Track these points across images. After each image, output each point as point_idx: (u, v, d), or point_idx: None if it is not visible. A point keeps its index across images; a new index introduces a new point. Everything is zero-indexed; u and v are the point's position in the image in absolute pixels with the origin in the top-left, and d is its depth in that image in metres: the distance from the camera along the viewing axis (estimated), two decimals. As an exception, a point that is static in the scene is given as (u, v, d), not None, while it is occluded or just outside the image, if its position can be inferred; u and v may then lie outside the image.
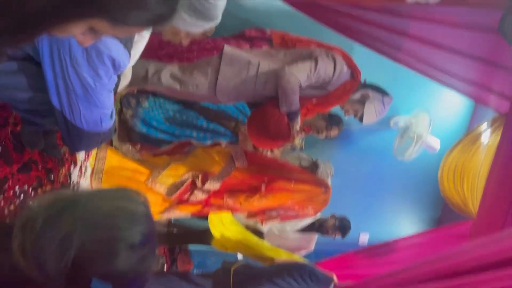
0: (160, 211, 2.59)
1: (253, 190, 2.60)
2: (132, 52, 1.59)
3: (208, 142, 3.42)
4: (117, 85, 1.63)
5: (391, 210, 4.71)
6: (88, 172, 2.77)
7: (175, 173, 2.56)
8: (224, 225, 2.81)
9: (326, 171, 3.82)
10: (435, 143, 3.85)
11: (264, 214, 2.73)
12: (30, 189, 2.16)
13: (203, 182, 2.52)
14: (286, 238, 3.86)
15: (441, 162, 3.55)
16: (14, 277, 0.67)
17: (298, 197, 2.66)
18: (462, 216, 3.49)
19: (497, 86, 2.44)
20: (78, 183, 2.61)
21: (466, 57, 2.13)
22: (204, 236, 4.00)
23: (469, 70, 2.35)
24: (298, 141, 3.55)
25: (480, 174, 2.91)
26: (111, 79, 1.50)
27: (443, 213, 4.68)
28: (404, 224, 4.72)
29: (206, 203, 2.62)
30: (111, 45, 1.40)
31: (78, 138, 1.52)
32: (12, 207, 2.02)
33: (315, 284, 2.60)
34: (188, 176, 2.53)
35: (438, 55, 2.29)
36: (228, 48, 2.64)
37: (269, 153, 3.44)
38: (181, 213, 2.71)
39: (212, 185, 2.55)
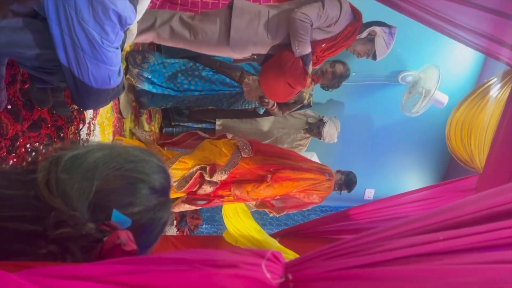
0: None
1: (259, 180, 2.68)
2: (138, 7, 1.57)
3: (214, 94, 3.41)
4: (123, 41, 1.62)
5: (397, 166, 4.74)
6: (97, 130, 2.80)
7: (184, 166, 2.65)
8: (239, 216, 2.87)
9: (333, 128, 3.83)
10: (444, 98, 3.82)
11: (273, 206, 2.82)
12: (41, 147, 2.20)
13: (211, 174, 2.61)
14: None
15: (449, 117, 3.53)
16: (39, 207, 0.70)
17: (303, 185, 2.75)
18: (468, 172, 3.50)
19: (510, 39, 2.39)
20: (87, 141, 2.65)
21: (478, 8, 2.08)
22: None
23: (481, 22, 2.30)
24: (306, 95, 3.53)
25: (488, 129, 2.90)
26: (117, 35, 1.49)
27: (450, 169, 4.72)
28: (410, 180, 4.76)
29: (214, 195, 2.70)
30: (117, 0, 1.38)
31: (87, 96, 1.53)
32: (24, 164, 2.06)
33: None
34: (196, 169, 2.62)
35: (449, 6, 2.24)
36: (237, 0, 2.62)
37: (277, 110, 3.44)
38: (190, 207, 2.82)
39: (220, 177, 2.63)
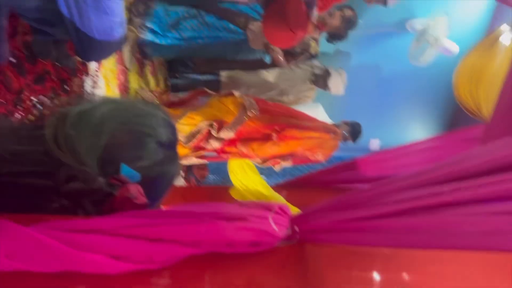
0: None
1: (265, 138, 2.70)
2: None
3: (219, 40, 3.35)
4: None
5: (403, 116, 4.72)
6: (101, 82, 2.79)
7: (191, 121, 2.67)
8: (246, 172, 2.87)
9: (339, 79, 3.78)
10: (453, 47, 3.74)
11: (277, 160, 2.82)
12: (47, 99, 2.20)
13: (218, 131, 2.64)
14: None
15: (458, 66, 3.47)
16: (49, 162, 0.71)
17: (308, 144, 2.76)
18: (475, 121, 3.48)
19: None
20: (92, 93, 2.64)
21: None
22: None
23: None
24: (312, 44, 3.46)
25: (497, 78, 2.85)
26: (118, -15, 1.46)
27: (456, 119, 4.69)
28: (417, 130, 4.75)
29: (221, 151, 2.73)
30: None
31: (90, 48, 1.51)
32: (31, 117, 2.07)
33: None
34: (204, 124, 2.64)
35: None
36: None
37: (282, 59, 3.38)
38: (198, 160, 2.85)
39: (227, 134, 2.65)
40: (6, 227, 0.55)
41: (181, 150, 2.73)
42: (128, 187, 0.70)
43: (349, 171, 3.62)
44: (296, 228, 0.64)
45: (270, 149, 2.72)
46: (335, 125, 3.84)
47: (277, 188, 3.59)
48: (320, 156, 2.88)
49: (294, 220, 0.66)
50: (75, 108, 0.77)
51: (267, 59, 3.64)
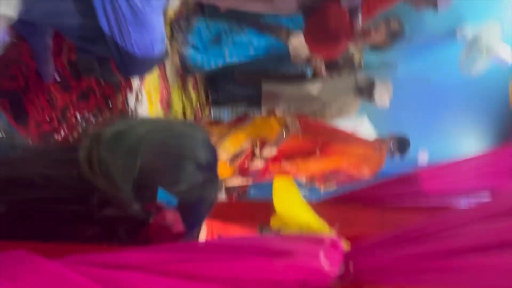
0: (223, 179, 2.79)
1: (308, 154, 2.66)
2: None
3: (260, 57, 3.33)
4: (165, 7, 1.56)
5: (454, 129, 4.50)
6: (144, 98, 2.80)
7: (236, 141, 2.70)
8: (290, 194, 2.85)
9: (384, 91, 3.65)
10: (507, 56, 3.53)
11: (322, 180, 2.77)
12: (91, 116, 2.22)
13: (261, 150, 2.65)
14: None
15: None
16: (81, 187, 0.67)
17: (353, 159, 2.70)
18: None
19: None
20: (135, 109, 2.65)
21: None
22: None
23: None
24: (357, 55, 3.36)
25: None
26: (159, 0, 1.44)
27: (510, 131, 4.42)
28: (468, 143, 4.51)
29: (265, 170, 2.71)
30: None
31: (131, 64, 1.50)
32: (75, 135, 2.09)
33: None
34: (247, 144, 2.67)
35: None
36: None
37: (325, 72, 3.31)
38: (243, 181, 2.88)
39: (270, 151, 2.65)
40: (28, 260, 0.50)
41: (225, 171, 2.75)
42: (164, 214, 0.65)
43: (406, 185, 3.46)
44: (351, 266, 0.56)
45: (314, 164, 2.66)
46: (381, 139, 3.71)
47: (319, 203, 3.48)
48: (366, 173, 2.78)
49: (349, 256, 0.58)
50: (110, 128, 0.72)
51: (309, 73, 3.57)
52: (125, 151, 0.69)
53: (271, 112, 2.94)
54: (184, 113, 3.68)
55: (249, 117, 3.01)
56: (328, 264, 0.54)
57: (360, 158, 2.73)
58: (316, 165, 2.67)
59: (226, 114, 4.05)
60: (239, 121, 3.01)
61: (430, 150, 4.66)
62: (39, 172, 0.68)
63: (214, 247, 0.57)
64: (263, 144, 2.66)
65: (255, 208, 3.68)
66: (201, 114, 4.19)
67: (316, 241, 0.57)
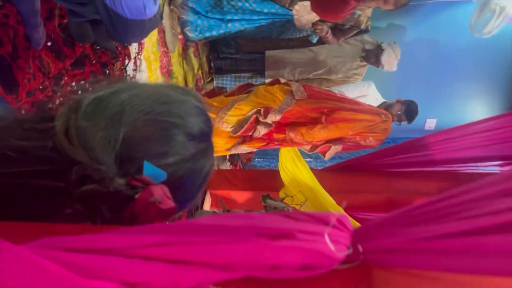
0: (228, 148, 2.74)
1: (314, 122, 2.62)
2: None
3: (263, 24, 3.22)
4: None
5: (462, 94, 4.38)
6: (143, 65, 2.71)
7: (239, 112, 2.65)
8: (297, 166, 2.78)
9: (392, 55, 3.53)
10: (521, 16, 3.38)
11: (327, 147, 2.72)
12: (87, 84, 2.14)
13: (265, 116, 2.59)
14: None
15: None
16: (59, 160, 0.60)
17: (358, 127, 2.64)
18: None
19: None
20: (134, 76, 2.57)
21: None
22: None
23: None
24: (364, 19, 3.22)
25: None
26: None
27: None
28: (476, 109, 4.40)
29: (269, 138, 2.67)
30: None
31: (123, 28, 1.40)
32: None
33: None
34: (251, 113, 2.61)
35: None
36: None
37: (331, 38, 3.18)
38: (247, 149, 2.82)
39: (274, 117, 2.59)
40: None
41: (229, 140, 2.72)
42: (151, 189, 0.58)
43: (413, 151, 3.40)
44: (360, 248, 0.49)
45: (319, 133, 2.60)
46: (388, 104, 3.61)
47: (325, 171, 3.43)
48: (372, 141, 2.72)
49: (357, 237, 0.51)
50: (90, 95, 0.64)
51: (314, 39, 3.44)
52: (106, 120, 0.62)
53: (276, 81, 2.86)
54: (186, 81, 3.58)
55: (251, 87, 2.95)
56: (333, 246, 0.48)
57: (366, 126, 2.67)
58: (321, 133, 2.61)
59: (229, 81, 3.96)
60: (241, 91, 2.95)
61: (438, 118, 4.57)
62: (10, 144, 0.61)
63: (206, 228, 0.51)
64: (267, 111, 2.59)
65: (260, 177, 3.65)
66: (204, 81, 4.10)
67: (321, 219, 0.51)
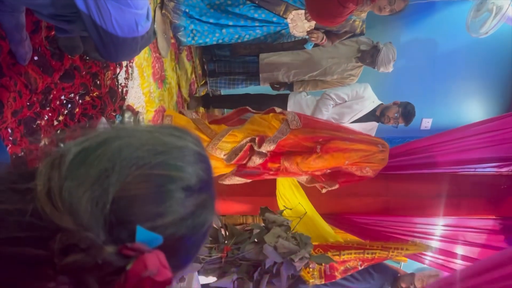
0: (221, 179, 2.70)
1: (309, 152, 2.60)
2: None
3: (258, 32, 3.17)
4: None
5: (458, 94, 4.35)
6: (135, 72, 2.64)
7: (233, 139, 2.63)
8: (295, 195, 2.75)
9: (388, 55, 3.47)
10: (518, 16, 3.34)
11: (324, 180, 2.69)
12: (77, 97, 2.07)
13: (260, 145, 2.57)
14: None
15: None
16: (41, 226, 0.53)
17: (354, 157, 2.60)
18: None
19: None
20: (126, 85, 2.49)
21: None
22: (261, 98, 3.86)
23: None
24: (359, 23, 3.17)
25: None
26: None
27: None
28: (472, 110, 4.37)
29: (264, 167, 2.64)
30: None
31: (114, 47, 1.33)
32: (61, 118, 1.95)
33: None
34: (246, 141, 2.59)
35: None
36: None
37: (326, 43, 3.13)
38: (240, 180, 2.78)
39: (268, 147, 2.57)
40: None
41: (223, 169, 2.69)
42: (145, 260, 0.52)
43: (411, 155, 3.37)
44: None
45: (315, 162, 2.57)
46: (385, 107, 3.57)
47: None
48: (368, 171, 2.69)
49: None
50: (73, 146, 0.58)
51: (309, 46, 3.38)
52: (93, 178, 0.55)
53: (271, 110, 2.85)
54: (179, 86, 3.51)
55: (247, 112, 2.92)
56: None
57: (362, 156, 2.63)
58: (317, 163, 2.58)
59: (223, 84, 3.89)
60: (239, 114, 2.93)
61: (434, 117, 4.54)
62: None
63: None
64: (262, 140, 2.57)
65: (256, 182, 3.58)
66: (197, 85, 4.03)
67: None
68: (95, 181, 0.55)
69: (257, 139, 2.58)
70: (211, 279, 2.09)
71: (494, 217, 3.41)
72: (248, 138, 2.59)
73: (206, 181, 0.64)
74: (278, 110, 2.81)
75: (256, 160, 2.58)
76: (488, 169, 3.49)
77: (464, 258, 3.27)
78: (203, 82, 4.06)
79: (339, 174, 2.71)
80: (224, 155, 2.61)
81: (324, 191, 2.73)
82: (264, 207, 2.17)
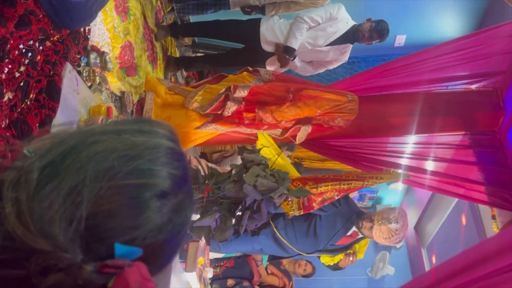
0: (198, 126, 2.69)
1: (282, 101, 2.64)
2: None
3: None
4: None
5: (432, 9, 4.26)
6: (99, 17, 2.48)
7: (209, 91, 2.71)
8: (272, 145, 2.76)
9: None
10: None
11: (297, 129, 2.71)
12: (37, 44, 1.95)
13: (234, 91, 2.60)
14: (319, 52, 3.64)
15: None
16: (15, 248, 0.53)
17: (326, 106, 2.66)
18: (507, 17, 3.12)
19: None
20: (89, 29, 2.34)
21: None
22: (233, 55, 3.83)
23: None
24: None
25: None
26: None
27: (488, 13, 4.20)
28: (444, 25, 4.33)
29: (239, 118, 2.65)
30: None
31: (67, 12, 1.22)
32: (22, 68, 1.84)
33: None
34: (222, 91, 2.62)
35: None
36: None
37: None
38: (216, 127, 2.76)
39: (242, 92, 2.59)
40: None
41: (200, 119, 2.69)
42: (126, 276, 0.52)
43: (384, 76, 3.38)
44: None
45: (288, 109, 2.61)
46: (358, 25, 3.52)
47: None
48: (340, 121, 2.75)
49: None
50: (37, 161, 0.55)
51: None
52: (64, 196, 0.53)
53: (245, 69, 2.88)
54: (144, 16, 3.33)
55: (224, 76, 2.91)
56: None
57: (333, 106, 2.69)
58: (291, 110, 2.61)
59: (191, 9, 3.71)
60: (217, 81, 2.90)
61: (407, 33, 4.49)
62: None
63: None
64: (236, 88, 2.57)
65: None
66: (164, 12, 3.83)
67: None
68: (66, 198, 0.53)
69: (232, 87, 2.60)
70: (194, 217, 2.15)
71: (463, 133, 3.53)
72: (224, 89, 2.61)
73: (181, 177, 0.63)
74: (251, 69, 2.87)
75: (231, 107, 2.59)
76: (458, 86, 3.55)
77: (435, 173, 3.43)
78: (170, 8, 3.86)
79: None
80: (201, 106, 2.63)
81: (298, 140, 2.78)
82: (242, 146, 2.19)
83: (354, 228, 3.34)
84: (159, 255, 0.60)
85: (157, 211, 0.58)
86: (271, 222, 2.93)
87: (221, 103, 2.60)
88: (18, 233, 0.52)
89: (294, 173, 2.76)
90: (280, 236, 3.15)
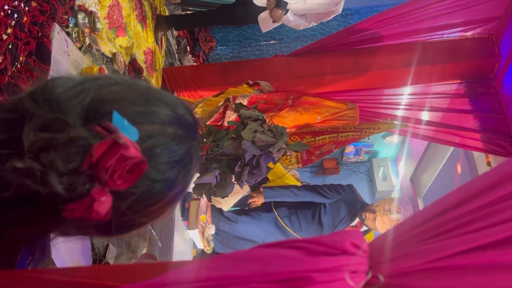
0: None
1: (281, 108, 2.66)
2: None
3: None
4: None
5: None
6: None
7: (209, 103, 2.70)
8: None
9: None
10: None
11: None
12: (22, 4, 1.88)
13: (233, 101, 2.60)
14: (312, 4, 3.55)
15: None
16: (12, 120, 0.52)
17: (326, 113, 2.66)
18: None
19: None
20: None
21: None
22: (224, 12, 3.74)
23: None
24: None
25: None
26: None
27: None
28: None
29: None
30: None
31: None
32: (9, 31, 1.79)
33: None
34: (222, 103, 2.63)
35: None
36: None
37: None
38: None
39: (242, 100, 2.59)
40: None
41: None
42: (117, 134, 0.49)
43: (379, 27, 3.34)
44: (381, 277, 0.46)
45: (288, 114, 2.63)
46: None
47: (292, 57, 3.37)
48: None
49: (374, 260, 0.48)
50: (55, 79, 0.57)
51: None
52: (79, 80, 0.56)
53: (245, 82, 2.89)
54: None
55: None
56: (352, 282, 0.45)
57: (333, 113, 2.70)
58: (290, 115, 2.64)
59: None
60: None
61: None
62: None
63: (209, 279, 0.46)
64: (234, 98, 2.61)
65: (226, 71, 3.52)
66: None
67: (336, 247, 0.47)
68: (81, 82, 0.55)
69: (231, 98, 2.63)
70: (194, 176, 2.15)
71: (459, 81, 3.52)
72: (223, 100, 2.65)
73: (191, 125, 0.61)
74: (251, 82, 2.89)
75: (231, 116, 2.60)
76: (454, 34, 3.50)
77: (431, 123, 3.44)
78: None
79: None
80: (201, 118, 2.66)
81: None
82: (238, 103, 2.17)
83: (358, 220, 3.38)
84: (150, 162, 0.56)
85: (163, 115, 0.57)
86: (274, 209, 2.93)
87: (221, 114, 2.63)
88: (26, 105, 0.52)
89: None
90: (283, 224, 3.16)
